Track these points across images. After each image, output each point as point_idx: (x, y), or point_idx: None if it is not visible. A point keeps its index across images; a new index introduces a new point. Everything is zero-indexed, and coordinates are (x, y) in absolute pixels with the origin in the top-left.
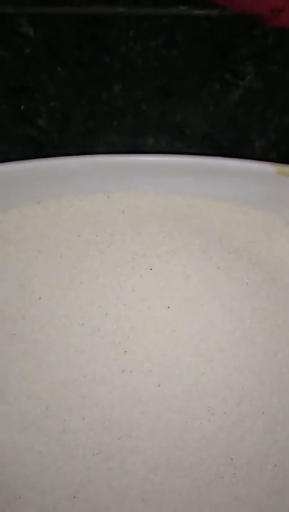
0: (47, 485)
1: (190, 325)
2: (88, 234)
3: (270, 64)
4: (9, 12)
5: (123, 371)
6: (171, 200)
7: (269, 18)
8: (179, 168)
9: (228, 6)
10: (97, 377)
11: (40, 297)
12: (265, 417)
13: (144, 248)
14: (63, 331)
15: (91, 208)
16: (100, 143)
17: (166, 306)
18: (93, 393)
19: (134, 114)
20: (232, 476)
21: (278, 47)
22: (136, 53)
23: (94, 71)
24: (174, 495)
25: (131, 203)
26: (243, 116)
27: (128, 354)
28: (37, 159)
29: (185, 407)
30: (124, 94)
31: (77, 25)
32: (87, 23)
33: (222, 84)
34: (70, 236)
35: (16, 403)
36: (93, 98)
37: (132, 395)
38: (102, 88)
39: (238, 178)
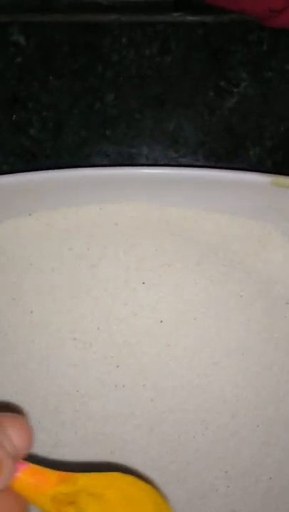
0: None
1: (184, 338)
2: (80, 247)
3: (265, 71)
4: (0, 20)
5: (116, 386)
6: (165, 212)
7: (267, 19)
8: (173, 180)
9: (225, 7)
10: (90, 391)
11: (32, 311)
12: (260, 430)
13: (137, 261)
14: (55, 345)
15: (84, 220)
16: (94, 152)
17: (159, 320)
18: (86, 407)
19: (128, 123)
20: (227, 488)
21: (273, 54)
22: (129, 61)
23: (87, 80)
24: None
25: (124, 215)
26: (238, 124)
27: (121, 368)
28: (30, 172)
29: (179, 420)
30: (117, 103)
31: (70, 34)
32: (80, 31)
33: (217, 91)
34: (62, 249)
35: None
36: (86, 107)
37: (125, 409)
38: (95, 97)
39: (233, 190)
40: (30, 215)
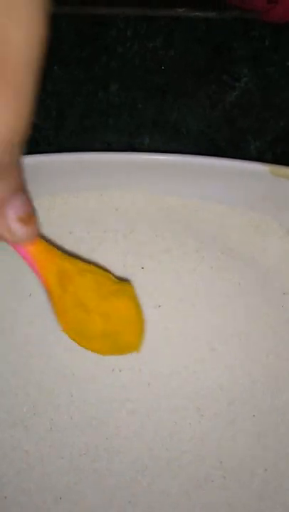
0: (33, 485)
1: (181, 324)
2: (80, 231)
3: (267, 66)
4: None
5: (112, 370)
6: (166, 199)
7: (265, 11)
8: (173, 166)
9: (227, 2)
10: (86, 375)
11: (31, 294)
12: (256, 419)
13: (137, 247)
14: (53, 328)
15: (84, 205)
16: (96, 141)
17: (157, 305)
18: (81, 392)
19: (131, 113)
20: (222, 479)
21: (274, 49)
22: (133, 53)
23: (91, 70)
24: (161, 497)
25: (124, 201)
26: (239, 117)
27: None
28: (30, 155)
29: (175, 407)
30: (121, 93)
31: (77, 25)
32: (87, 23)
33: (219, 85)
34: (62, 233)
35: (2, 400)
36: (90, 96)
37: (120, 394)
38: (99, 87)
39: (233, 179)
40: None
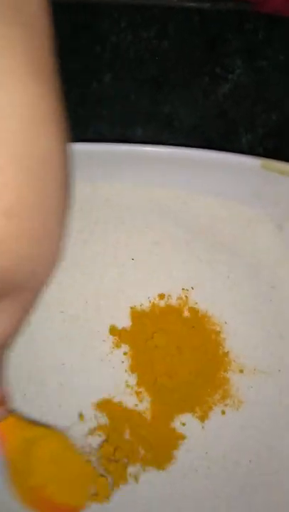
0: None
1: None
2: (71, 222)
3: (260, 59)
4: None
5: (101, 360)
6: (157, 191)
7: (260, 2)
8: (165, 158)
9: None
10: (75, 365)
11: None
12: (241, 411)
13: (127, 238)
14: (42, 318)
15: (75, 196)
16: (89, 132)
17: (146, 297)
18: (70, 381)
19: (124, 104)
20: (207, 469)
21: (268, 43)
22: (127, 44)
23: (85, 60)
24: (146, 486)
25: (115, 193)
26: (231, 110)
27: (107, 343)
28: None
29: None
30: (114, 84)
31: (70, 15)
32: (80, 12)
33: (212, 77)
34: None
35: None
36: (83, 87)
37: (109, 383)
38: (92, 77)
39: (225, 172)
40: None
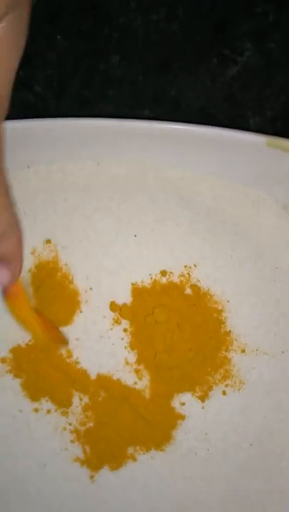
0: (19, 451)
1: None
2: (75, 199)
3: (269, 42)
4: None
5: (101, 337)
6: (162, 171)
7: None
8: (171, 135)
9: None
10: (75, 341)
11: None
12: (243, 392)
13: (130, 215)
14: None
15: (80, 174)
16: (96, 112)
17: (148, 274)
18: (71, 357)
19: (131, 86)
20: (206, 452)
21: (277, 26)
22: (136, 25)
23: (93, 41)
24: (144, 467)
25: (121, 172)
26: (239, 93)
27: (107, 319)
28: (27, 119)
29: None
30: (121, 65)
31: None
32: None
33: (220, 59)
34: (56, 200)
35: None
36: (91, 67)
37: (108, 361)
38: (100, 58)
39: (230, 151)
40: (28, 167)
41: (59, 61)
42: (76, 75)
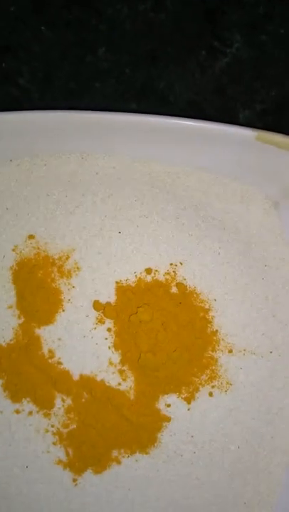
0: (0, 452)
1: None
2: (58, 193)
3: (260, 34)
4: None
5: (84, 336)
6: (149, 165)
7: None
8: (159, 128)
9: None
10: (57, 340)
11: (4, 255)
12: (230, 393)
13: (115, 210)
14: None
15: (64, 168)
16: (82, 105)
17: (132, 271)
18: (52, 357)
19: (118, 78)
20: (192, 454)
21: (269, 17)
22: (123, 16)
23: (79, 32)
24: (129, 470)
25: (106, 166)
26: (229, 85)
27: (90, 319)
28: (11, 112)
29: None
30: (108, 57)
31: None
32: None
33: (209, 51)
34: (40, 194)
35: None
36: (77, 59)
37: (91, 362)
38: (86, 50)
39: (219, 145)
40: (11, 161)
41: (44, 53)
42: (62, 67)
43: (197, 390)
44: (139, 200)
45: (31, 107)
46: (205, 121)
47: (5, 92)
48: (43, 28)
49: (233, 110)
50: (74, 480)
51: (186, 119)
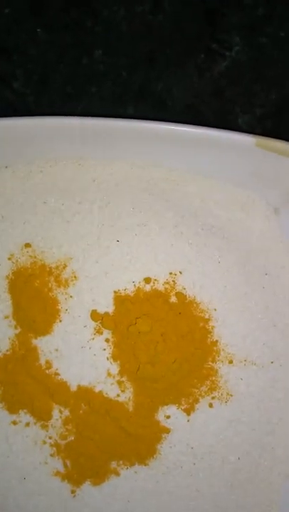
0: None
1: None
2: (55, 201)
3: (259, 36)
4: None
5: (82, 347)
6: (147, 171)
7: None
8: (157, 135)
9: None
10: (54, 351)
11: (0, 264)
12: (230, 404)
13: (113, 219)
14: None
15: (61, 175)
16: (78, 109)
17: (131, 281)
18: (50, 367)
19: (115, 81)
20: (192, 466)
21: (268, 19)
22: (120, 18)
23: (76, 34)
24: (128, 482)
25: (104, 172)
26: (228, 89)
27: (87, 329)
28: (5, 118)
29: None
30: (105, 60)
31: None
32: None
33: (208, 54)
34: (36, 202)
35: None
36: (73, 62)
37: (89, 373)
38: (83, 52)
39: (219, 151)
40: (6, 167)
41: (40, 55)
42: (58, 69)
43: (197, 401)
44: (137, 207)
45: (26, 110)
46: (204, 127)
47: (0, 96)
48: (38, 30)
49: (232, 114)
50: (72, 491)
51: (185, 125)
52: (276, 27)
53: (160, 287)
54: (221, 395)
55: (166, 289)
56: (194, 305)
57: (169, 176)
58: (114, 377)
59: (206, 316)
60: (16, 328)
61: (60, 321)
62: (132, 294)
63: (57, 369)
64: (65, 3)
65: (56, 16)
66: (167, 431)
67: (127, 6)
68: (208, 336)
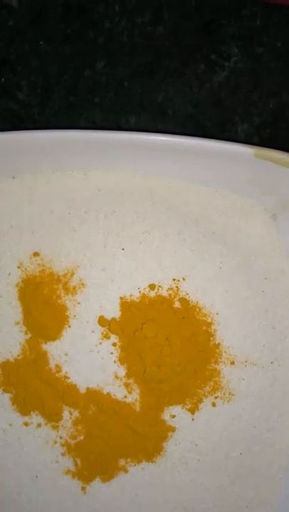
0: (10, 463)
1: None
2: (61, 211)
3: (257, 46)
4: None
5: (90, 351)
6: (150, 180)
7: None
8: (159, 146)
9: None
10: (63, 355)
11: (10, 273)
12: (232, 403)
13: (118, 227)
14: None
15: (67, 185)
16: (81, 119)
17: (136, 287)
18: (59, 371)
19: (117, 92)
20: (196, 462)
21: (266, 29)
22: (121, 29)
23: (78, 45)
24: (135, 478)
25: (108, 182)
26: (227, 98)
27: (95, 334)
28: (13, 131)
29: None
30: (107, 71)
31: None
32: None
33: (207, 64)
34: (42, 212)
35: None
36: (76, 73)
37: (97, 376)
38: (85, 63)
39: (218, 161)
40: (13, 178)
41: (43, 67)
42: (61, 80)
43: (201, 401)
44: (141, 216)
45: (31, 121)
46: (204, 138)
47: (5, 106)
48: (41, 41)
49: (231, 123)
50: (83, 488)
51: (186, 136)
52: (273, 37)
53: (164, 293)
54: (224, 394)
55: (170, 294)
56: (197, 309)
57: (170, 185)
58: (121, 379)
59: (209, 320)
60: (26, 333)
61: (69, 326)
62: (137, 300)
63: (66, 372)
64: (66, 15)
65: (58, 27)
66: (173, 429)
67: (128, 17)
68: (211, 338)
